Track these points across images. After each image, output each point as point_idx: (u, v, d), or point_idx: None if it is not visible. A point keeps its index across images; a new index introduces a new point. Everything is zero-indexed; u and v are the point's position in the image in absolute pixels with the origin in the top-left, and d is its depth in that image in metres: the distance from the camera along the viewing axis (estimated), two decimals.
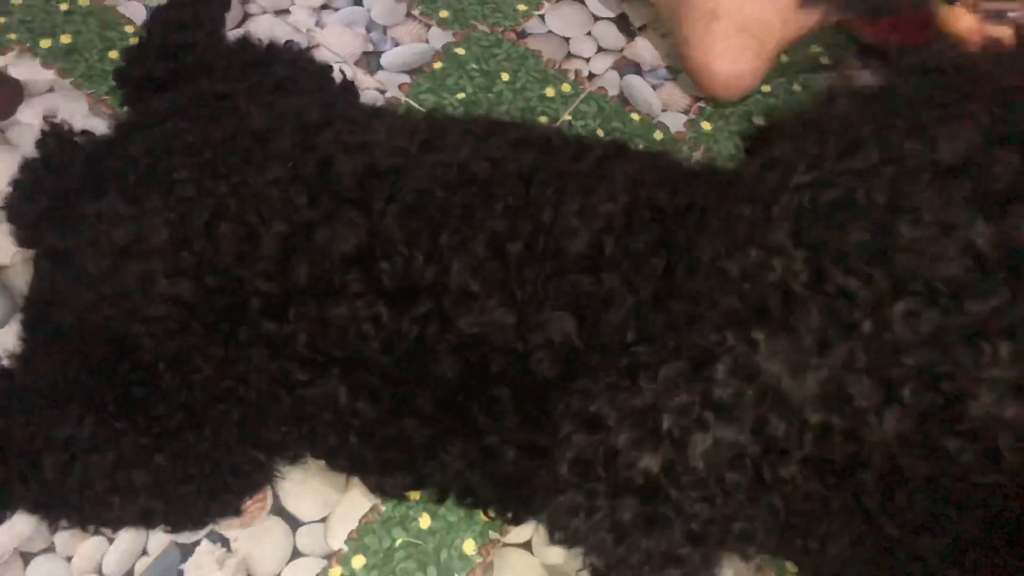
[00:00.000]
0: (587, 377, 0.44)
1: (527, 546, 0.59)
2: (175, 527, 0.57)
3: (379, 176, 0.52)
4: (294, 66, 0.69)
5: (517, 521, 0.59)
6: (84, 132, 0.63)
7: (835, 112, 0.41)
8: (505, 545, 0.59)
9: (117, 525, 0.57)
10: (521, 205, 0.51)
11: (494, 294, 0.49)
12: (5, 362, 0.58)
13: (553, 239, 0.50)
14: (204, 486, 0.56)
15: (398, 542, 0.58)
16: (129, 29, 0.77)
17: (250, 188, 0.52)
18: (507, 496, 0.56)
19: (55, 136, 0.62)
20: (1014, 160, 0.34)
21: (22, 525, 0.56)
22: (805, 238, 0.37)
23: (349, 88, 0.72)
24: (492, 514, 0.59)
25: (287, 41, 0.72)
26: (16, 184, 0.61)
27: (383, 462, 0.56)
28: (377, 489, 0.59)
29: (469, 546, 0.59)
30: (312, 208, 0.51)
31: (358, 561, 0.57)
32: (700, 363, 0.38)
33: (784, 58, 0.83)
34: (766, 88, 0.82)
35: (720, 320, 0.39)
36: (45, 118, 0.63)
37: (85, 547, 0.56)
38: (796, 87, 0.83)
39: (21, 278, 0.64)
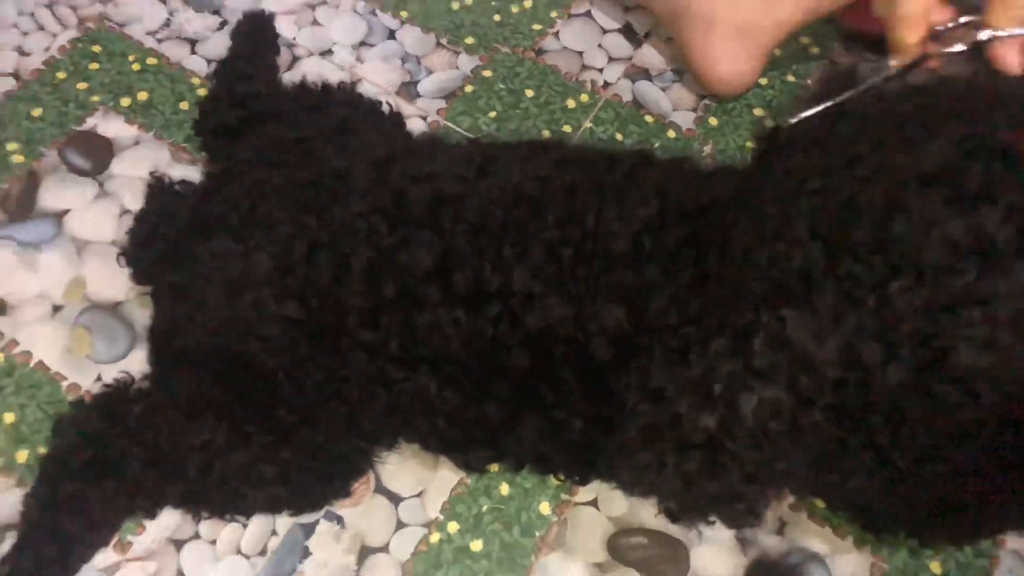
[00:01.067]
0: (642, 357, 0.53)
1: (594, 503, 0.69)
2: (297, 510, 0.66)
3: (445, 202, 0.60)
4: (349, 105, 0.78)
5: (584, 481, 0.68)
6: (183, 182, 0.73)
7: (839, 132, 0.50)
8: (576, 504, 0.69)
9: (250, 512, 0.66)
10: (568, 215, 0.59)
11: (553, 293, 0.57)
12: (139, 383, 0.68)
13: (599, 242, 0.58)
14: (319, 474, 0.64)
15: (484, 508, 0.68)
16: (196, 81, 0.87)
17: (338, 221, 0.61)
18: (575, 460, 0.65)
19: (159, 188, 0.72)
20: (981, 168, 0.43)
21: (169, 518, 0.66)
22: (820, 232, 0.45)
23: (396, 118, 0.81)
24: (562, 477, 0.69)
25: (339, 83, 0.82)
26: (132, 233, 0.71)
27: (468, 440, 0.64)
28: (464, 465, 0.68)
29: (545, 507, 0.69)
30: (392, 234, 0.60)
31: (453, 527, 0.67)
32: (740, 338, 0.46)
33: (777, 52, 0.92)
34: (763, 81, 0.91)
35: (754, 301, 0.46)
36: (150, 173, 0.73)
37: (225, 532, 0.66)
38: (790, 77, 0.92)
39: (138, 311, 0.74)
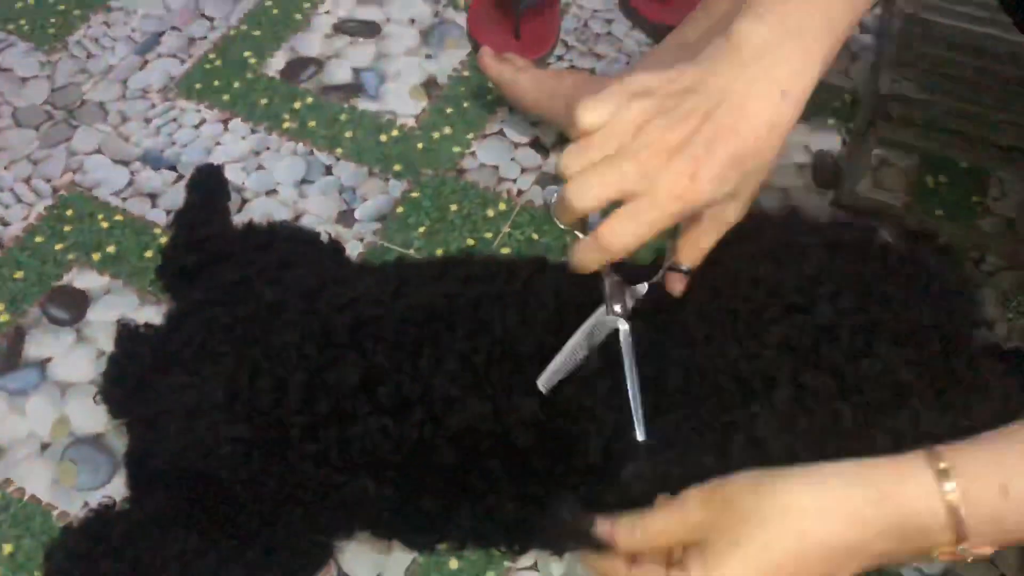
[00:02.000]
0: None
1: (534, 567, 0.77)
2: None
3: (366, 324, 0.70)
4: (291, 240, 0.89)
5: (522, 552, 0.76)
6: (147, 325, 0.84)
7: None
8: (518, 570, 0.77)
9: None
10: (476, 326, 0.68)
11: (471, 395, 0.66)
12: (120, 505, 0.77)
13: (507, 345, 0.67)
14: (285, 568, 0.72)
15: None
16: (157, 231, 0.98)
17: (274, 349, 0.70)
18: (512, 536, 0.72)
19: (126, 333, 0.83)
20: None
21: None
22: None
23: (335, 246, 0.91)
24: (503, 550, 0.77)
25: (282, 220, 0.94)
26: (105, 374, 0.81)
27: (412, 528, 0.72)
28: (412, 546, 0.76)
29: None
30: (321, 357, 0.69)
31: None
32: (723, 443, 0.55)
33: None
34: None
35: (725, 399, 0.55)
36: (118, 321, 0.84)
37: None
38: None
39: (116, 441, 0.83)
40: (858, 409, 0.52)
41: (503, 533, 0.72)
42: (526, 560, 0.77)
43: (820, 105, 1.07)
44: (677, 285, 0.63)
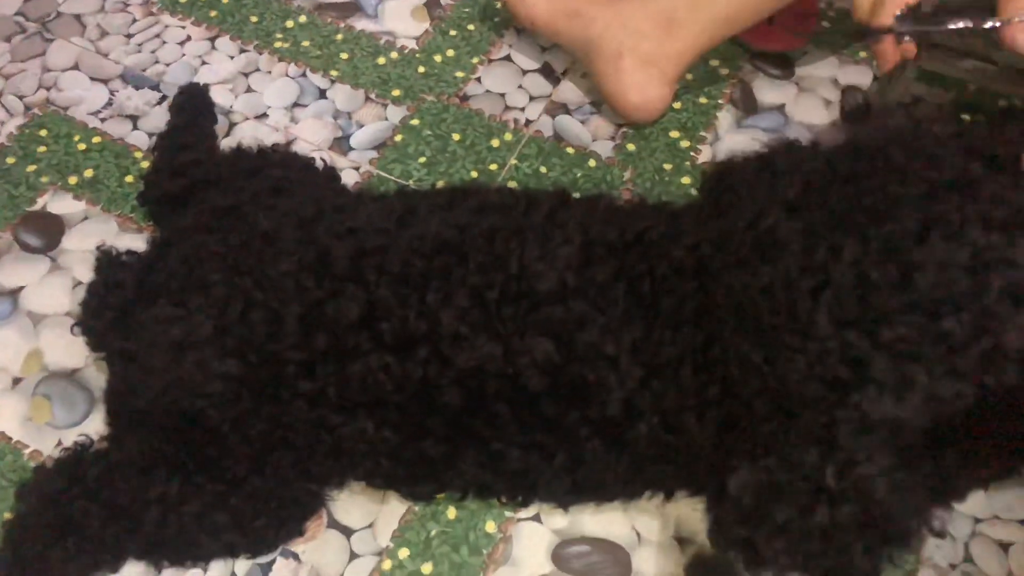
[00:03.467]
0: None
1: (536, 518, 0.73)
2: (254, 553, 0.70)
3: (368, 255, 0.64)
4: (284, 165, 0.83)
5: (526, 504, 0.72)
6: (129, 252, 0.78)
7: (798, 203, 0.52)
8: (519, 520, 0.73)
9: (208, 559, 0.69)
10: (490, 260, 0.63)
11: (481, 333, 0.61)
12: (98, 445, 0.72)
13: (524, 282, 0.61)
14: (272, 518, 0.68)
15: (433, 532, 0.72)
16: (139, 155, 0.91)
17: (269, 280, 0.65)
18: (516, 486, 0.68)
19: (106, 260, 0.77)
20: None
21: (131, 570, 0.69)
22: (845, 319, 0.47)
23: (331, 174, 0.86)
24: (504, 500, 0.73)
25: (274, 144, 0.87)
26: (84, 304, 0.75)
27: (411, 476, 0.68)
28: (409, 496, 0.72)
29: (490, 526, 0.72)
30: (319, 288, 0.64)
31: (403, 553, 0.71)
32: (828, 435, 0.49)
33: (689, 76, 0.97)
34: (677, 105, 0.96)
35: (815, 407, 0.49)
36: (97, 247, 0.78)
37: None
38: (702, 99, 0.97)
39: (95, 376, 0.78)
40: None
41: (507, 483, 0.68)
42: (528, 510, 0.73)
43: (850, 36, 1.01)
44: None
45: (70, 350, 0.79)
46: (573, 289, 0.60)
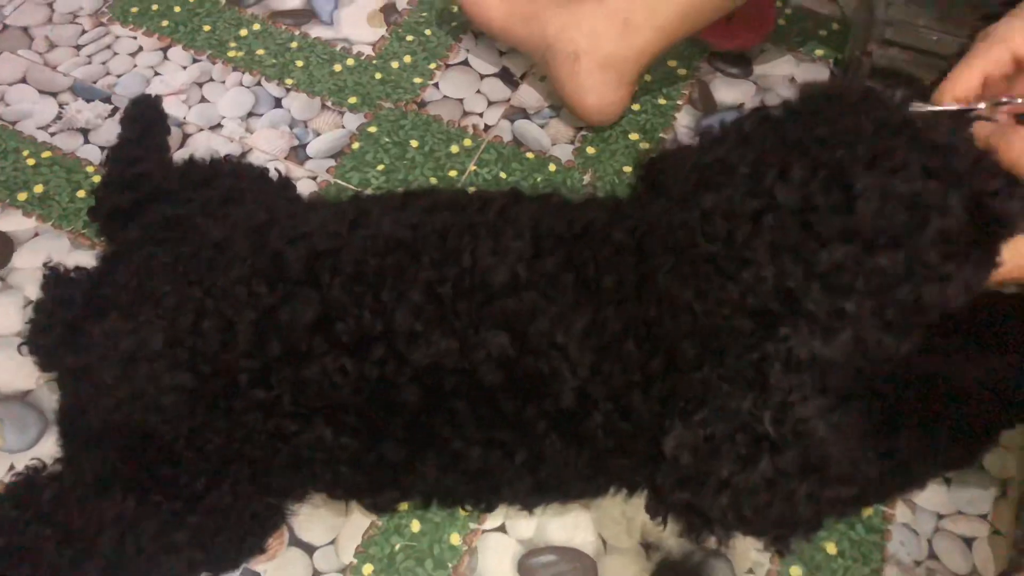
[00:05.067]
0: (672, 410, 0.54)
1: (502, 528, 0.72)
2: (215, 571, 0.68)
3: (321, 257, 0.63)
4: (236, 176, 0.82)
5: (490, 509, 0.70)
6: (77, 268, 0.76)
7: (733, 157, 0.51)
8: (484, 531, 0.72)
9: None
10: (443, 257, 0.62)
11: (435, 329, 0.60)
12: (51, 468, 0.70)
13: (477, 276, 0.61)
14: (232, 534, 0.66)
15: (397, 547, 0.71)
16: (90, 169, 0.89)
17: (220, 288, 0.64)
18: (478, 489, 0.67)
19: (55, 277, 0.75)
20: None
21: None
22: (783, 244, 0.47)
23: (285, 183, 0.84)
24: (469, 508, 0.72)
25: (226, 155, 0.85)
26: (32, 322, 0.73)
27: (372, 484, 0.67)
28: (372, 508, 0.70)
29: (455, 538, 0.71)
30: (272, 294, 0.62)
31: (368, 569, 0.69)
32: (759, 378, 0.49)
33: (647, 77, 0.97)
34: (636, 107, 0.96)
35: (745, 338, 0.49)
36: (45, 264, 0.76)
37: None
38: (661, 100, 0.97)
39: (47, 397, 0.76)
40: None
41: (469, 486, 0.67)
42: (493, 521, 0.72)
43: (807, 34, 1.01)
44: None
45: (21, 371, 0.77)
46: (525, 281, 0.60)
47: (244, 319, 0.63)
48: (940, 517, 0.72)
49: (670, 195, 0.54)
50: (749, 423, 0.50)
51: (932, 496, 0.73)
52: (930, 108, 0.56)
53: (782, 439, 0.49)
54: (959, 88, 0.56)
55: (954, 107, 0.56)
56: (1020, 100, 0.56)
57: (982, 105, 0.56)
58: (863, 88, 0.52)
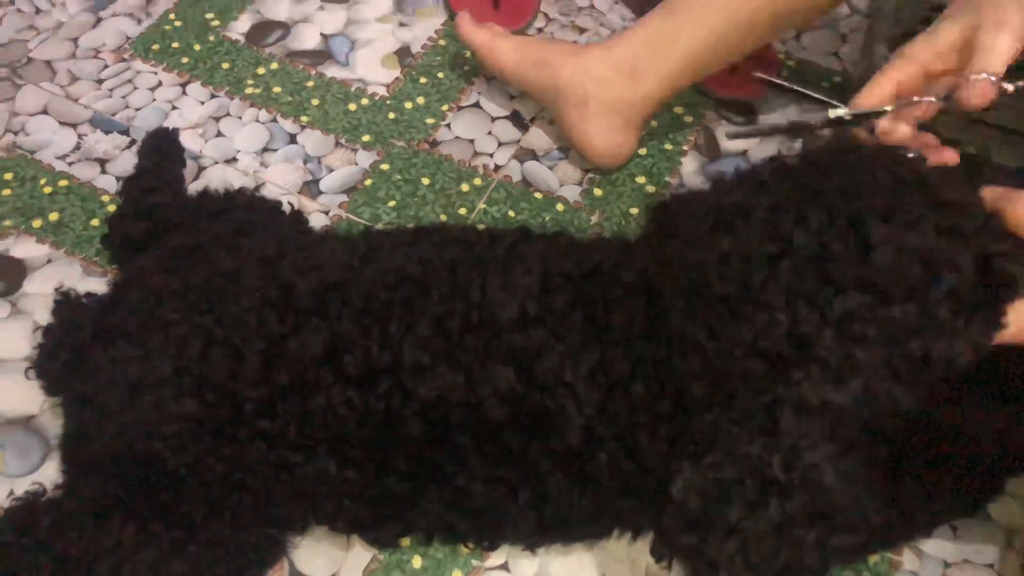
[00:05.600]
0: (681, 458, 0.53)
1: (504, 566, 0.71)
2: None
3: (331, 289, 0.64)
4: (249, 208, 0.83)
5: (493, 547, 0.70)
6: (88, 294, 0.76)
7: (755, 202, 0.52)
8: (487, 569, 0.71)
9: None
10: (452, 291, 0.63)
11: (442, 363, 0.61)
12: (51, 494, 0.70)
13: (485, 311, 0.62)
14: (231, 565, 0.66)
15: None
16: (106, 199, 0.91)
17: (230, 317, 0.64)
18: (481, 526, 0.67)
19: (66, 302, 0.75)
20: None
21: None
22: (799, 291, 0.47)
23: (298, 217, 0.85)
24: (471, 545, 0.71)
25: (240, 188, 0.87)
26: (40, 347, 0.74)
27: (374, 518, 0.66)
28: (374, 542, 0.69)
29: (457, 575, 0.71)
30: (282, 324, 0.63)
31: None
32: (769, 422, 0.49)
33: (654, 123, 0.98)
34: (643, 151, 0.97)
35: (756, 381, 0.49)
36: (56, 289, 0.76)
37: None
38: (667, 146, 0.98)
39: (50, 423, 0.76)
40: None
41: (472, 523, 0.67)
42: (496, 559, 0.71)
43: (809, 86, 1.03)
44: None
45: (26, 396, 0.77)
46: (533, 318, 0.60)
47: (252, 348, 0.63)
48: (947, 565, 0.71)
49: (684, 237, 0.55)
50: (758, 468, 0.49)
51: (939, 544, 0.72)
52: (846, 111, 0.63)
53: (791, 485, 0.49)
54: (874, 95, 0.62)
55: (864, 111, 0.62)
56: (929, 99, 0.61)
57: (889, 108, 0.62)
58: (879, 143, 0.53)
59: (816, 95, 0.72)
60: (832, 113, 0.65)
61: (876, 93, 0.62)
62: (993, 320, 0.50)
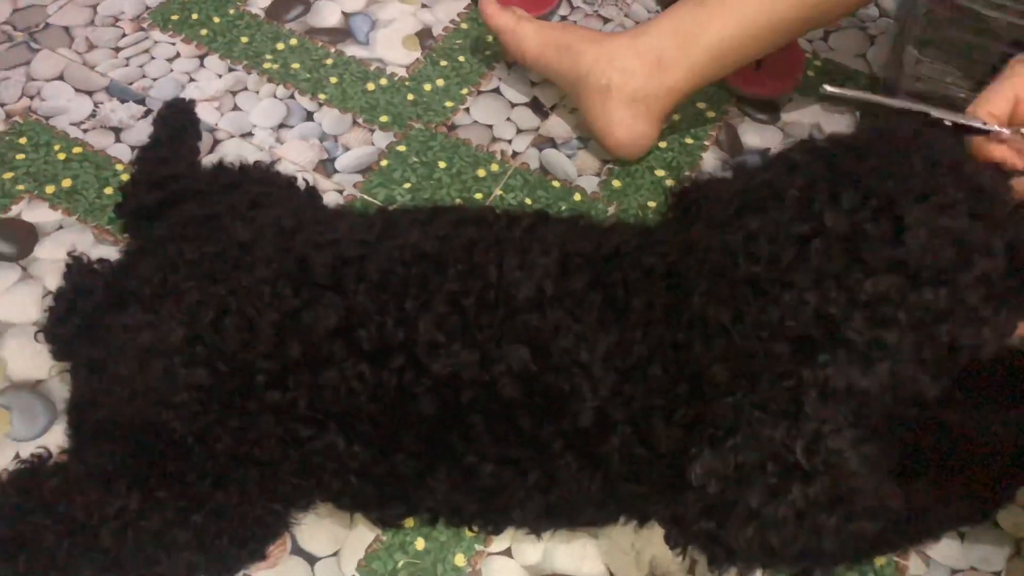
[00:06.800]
0: (698, 435, 0.52)
1: (507, 552, 0.71)
2: (214, 574, 0.68)
3: (348, 263, 0.63)
4: (264, 182, 0.82)
5: (498, 531, 0.70)
6: (100, 260, 0.76)
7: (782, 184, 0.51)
8: (490, 554, 0.71)
9: None
10: (469, 269, 0.62)
11: (457, 340, 0.60)
12: (57, 458, 0.69)
13: (502, 290, 0.61)
14: (234, 538, 0.65)
15: (400, 564, 0.69)
16: (119, 167, 0.90)
17: (244, 288, 0.64)
18: (488, 508, 0.66)
19: (77, 267, 0.75)
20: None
21: None
22: (828, 271, 0.47)
23: (312, 193, 0.85)
24: (476, 528, 0.71)
25: (255, 161, 0.86)
26: (51, 310, 0.73)
27: (380, 496, 0.66)
28: (378, 521, 0.69)
29: (460, 559, 0.70)
30: (296, 296, 0.63)
31: None
32: (793, 406, 0.48)
33: (676, 116, 0.98)
34: (663, 144, 0.97)
35: (781, 363, 0.48)
36: (68, 253, 0.76)
37: None
38: (688, 140, 0.98)
39: (57, 388, 0.76)
40: None
41: (479, 504, 0.66)
42: (499, 544, 0.71)
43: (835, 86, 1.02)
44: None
45: (34, 361, 0.77)
46: (550, 297, 0.59)
47: (266, 320, 0.63)
48: (954, 572, 0.71)
49: (708, 219, 0.54)
50: (780, 452, 0.49)
51: (946, 550, 0.72)
52: (961, 121, 0.57)
53: (813, 470, 0.49)
54: (992, 105, 0.58)
55: (981, 124, 0.57)
56: None
57: (1007, 131, 0.57)
58: (913, 128, 0.53)
59: (930, 110, 0.62)
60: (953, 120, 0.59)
61: (995, 102, 0.58)
62: (1020, 309, 0.49)
